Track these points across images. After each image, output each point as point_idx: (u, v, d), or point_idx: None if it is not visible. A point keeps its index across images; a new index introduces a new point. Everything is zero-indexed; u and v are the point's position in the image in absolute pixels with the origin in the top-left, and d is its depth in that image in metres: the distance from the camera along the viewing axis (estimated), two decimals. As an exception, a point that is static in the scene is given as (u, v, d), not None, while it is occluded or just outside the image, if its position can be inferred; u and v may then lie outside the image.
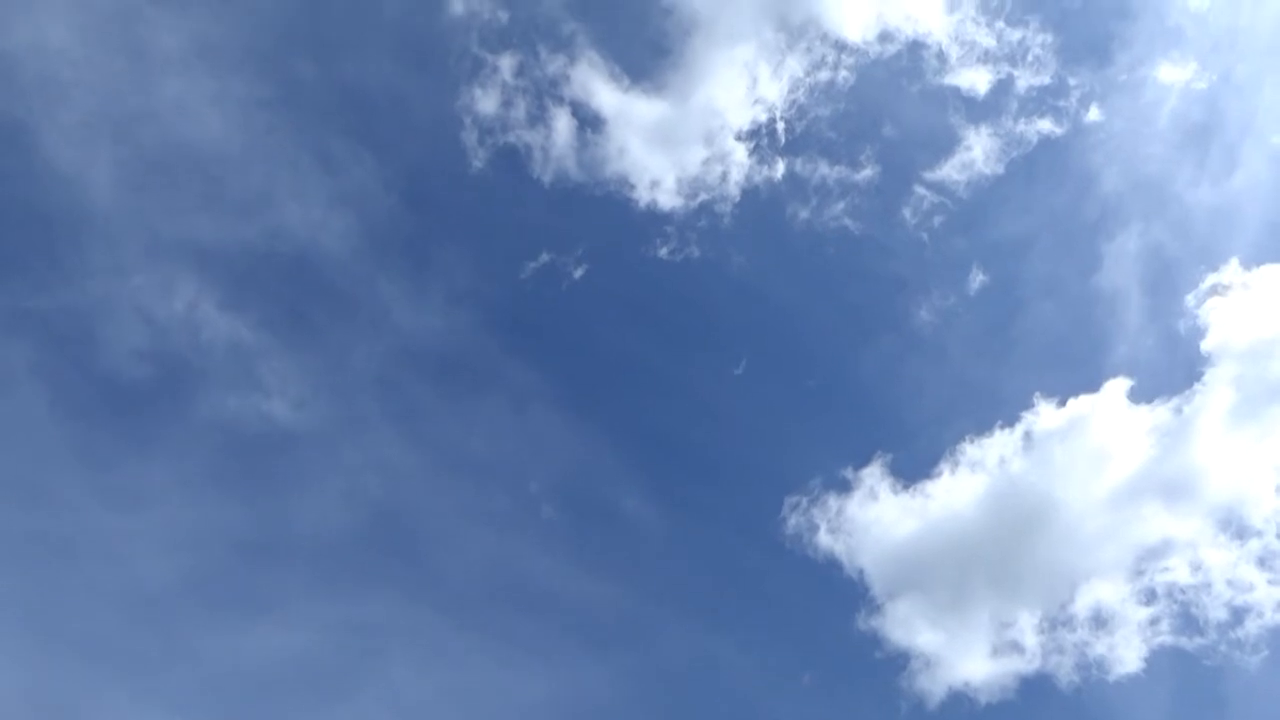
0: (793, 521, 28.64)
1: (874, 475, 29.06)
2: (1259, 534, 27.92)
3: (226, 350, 29.69)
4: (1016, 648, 27.46)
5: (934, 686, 26.98)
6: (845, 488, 29.10)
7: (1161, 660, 27.39)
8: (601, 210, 32.16)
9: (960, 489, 28.87)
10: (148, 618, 26.58)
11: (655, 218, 31.81)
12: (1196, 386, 29.56)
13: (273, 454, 29.56)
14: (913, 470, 29.60)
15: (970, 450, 29.39)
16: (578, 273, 31.30)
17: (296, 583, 28.69)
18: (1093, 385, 30.28)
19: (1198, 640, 27.44)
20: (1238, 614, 27.33)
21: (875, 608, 27.92)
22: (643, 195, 31.35)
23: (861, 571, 27.99)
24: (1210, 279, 30.81)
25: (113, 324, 29.00)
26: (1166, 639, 27.51)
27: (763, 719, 29.28)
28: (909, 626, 27.55)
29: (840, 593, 28.34)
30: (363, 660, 28.42)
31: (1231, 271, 30.72)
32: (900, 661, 27.51)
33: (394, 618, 29.05)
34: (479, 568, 30.26)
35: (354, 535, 29.79)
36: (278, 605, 28.27)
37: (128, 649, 25.85)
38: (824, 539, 28.26)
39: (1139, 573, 28.20)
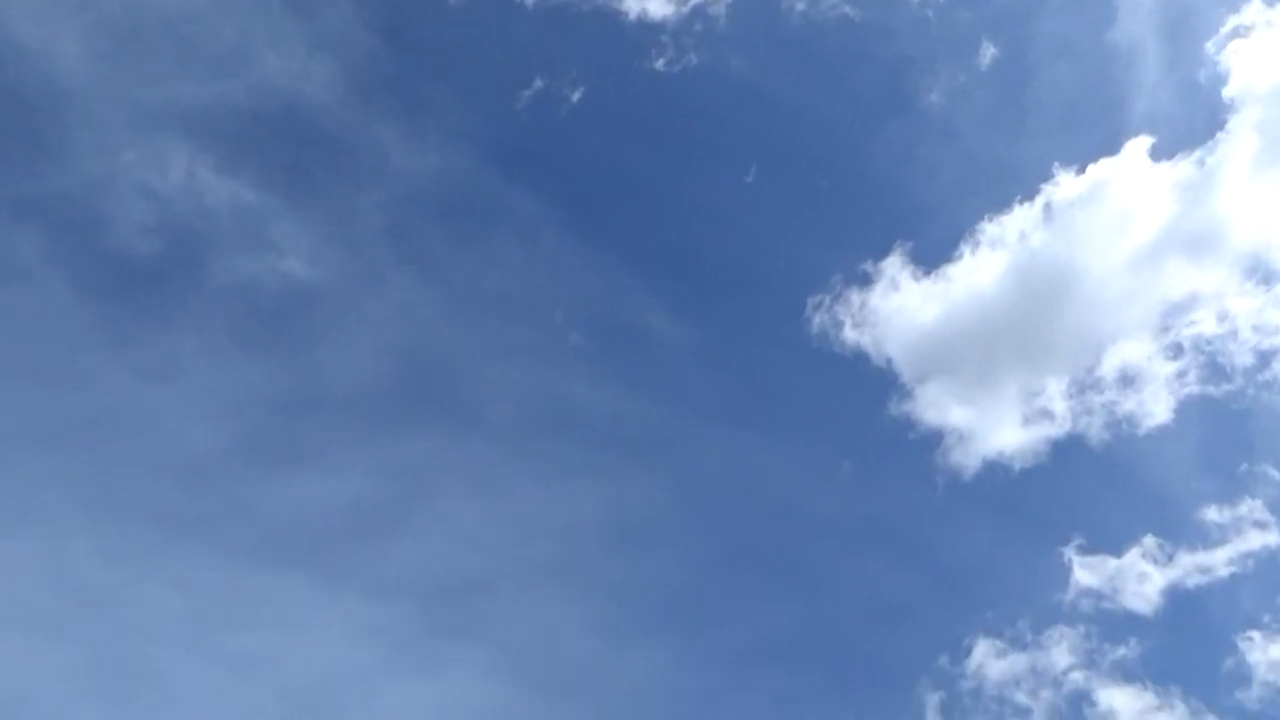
0: (817, 320, 28.77)
1: (894, 265, 28.98)
2: (1284, 278, 27.85)
3: (231, 214, 29.47)
4: (1046, 414, 27.94)
5: (968, 460, 27.64)
6: (866, 281, 29.07)
7: (1190, 410, 27.86)
8: (591, 28, 31.05)
9: (982, 269, 28.80)
10: (198, 480, 27.38)
11: (648, 29, 30.69)
12: (1219, 136, 28.88)
13: (294, 312, 29.75)
14: (933, 256, 29.47)
15: (990, 229, 29.14)
16: (574, 95, 30.49)
17: (337, 433, 29.36)
18: (1113, 148, 29.65)
19: (1225, 387, 27.81)
20: (1264, 358, 27.59)
21: (905, 393, 28.33)
22: (632, 7, 30.25)
23: (889, 360, 28.28)
24: (1231, 21, 29.63)
25: (114, 202, 28.74)
26: (1194, 389, 27.89)
27: (804, 512, 30.25)
28: (940, 407, 28.02)
29: (870, 383, 28.75)
30: (411, 497, 29.36)
31: (1254, 11, 29.51)
32: (934, 440, 28.11)
33: (436, 454, 29.84)
34: (513, 398, 30.80)
35: (386, 382, 30.25)
36: (322, 455, 29.05)
37: (183, 511, 26.76)
38: (849, 334, 28.43)
39: (1165, 329, 28.36)
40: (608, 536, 29.91)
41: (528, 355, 31.08)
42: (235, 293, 29.07)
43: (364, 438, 29.62)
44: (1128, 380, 27.94)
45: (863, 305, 28.59)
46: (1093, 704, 24.96)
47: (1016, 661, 25.81)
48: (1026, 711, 25.16)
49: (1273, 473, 26.83)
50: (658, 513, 30.42)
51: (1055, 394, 28.03)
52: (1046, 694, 25.28)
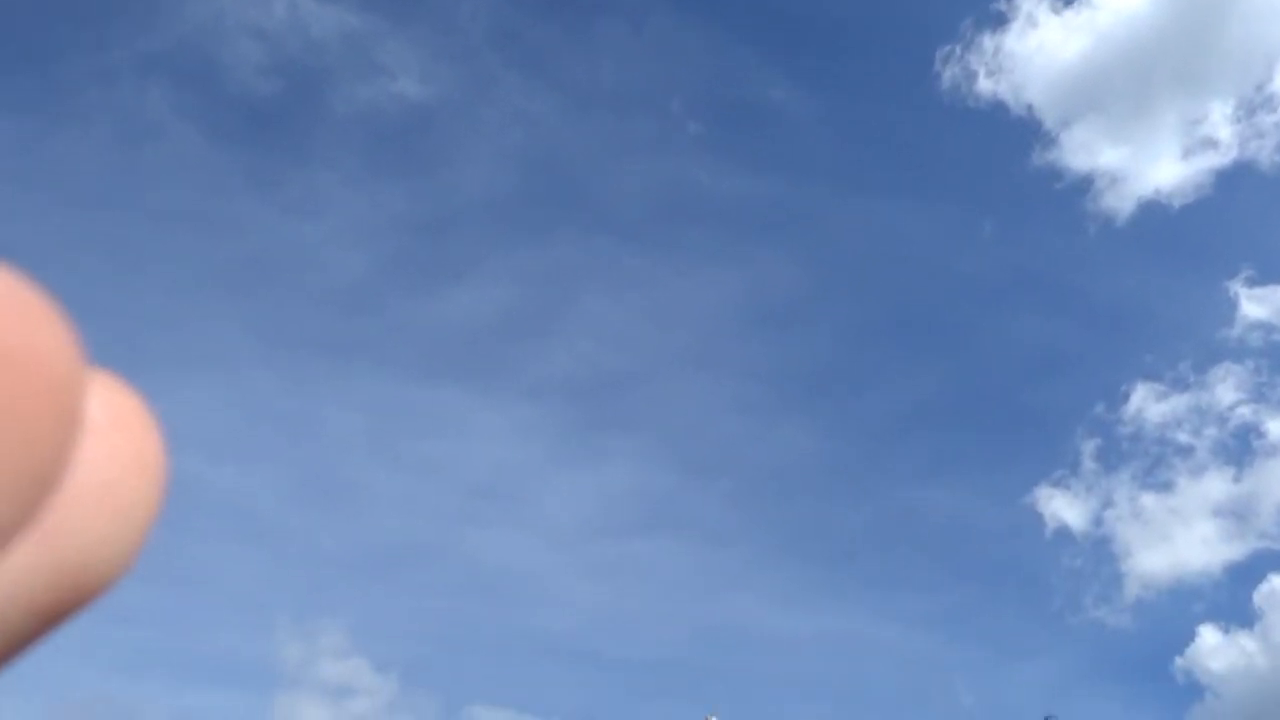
0: (948, 75, 26.83)
1: (1030, 0, 26.52)
2: None
3: (340, 42, 29.51)
4: (1210, 143, 25.70)
5: (1122, 203, 25.98)
6: (1000, 21, 26.68)
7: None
8: None
9: (1131, -13, 26.00)
10: (357, 306, 29.13)
11: None
12: None
13: (416, 133, 30.09)
14: (1075, -20, 26.74)
15: (1139, -61, 26.05)
16: None
17: (476, 245, 30.25)
18: None
19: None
20: None
21: (1050, 140, 26.50)
22: None
23: (1030, 107, 26.29)
24: None
25: (227, 48, 29.13)
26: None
27: (948, 274, 29.57)
28: (1089, 150, 26.14)
29: (1010, 134, 27.01)
30: (554, 300, 30.34)
31: None
32: (1083, 186, 26.47)
33: (574, 255, 30.48)
34: (640, 193, 30.73)
35: (513, 190, 30.64)
36: (466, 269, 30.18)
37: (348, 335, 28.64)
38: (984, 84, 26.42)
39: (1350, 29, 25.22)
40: (750, 320, 30.33)
41: (650, 148, 30.69)
42: (357, 122, 29.57)
43: (500, 247, 30.51)
44: (1304, 93, 25.30)
45: (997, 50, 26.47)
46: (1261, 435, 24.27)
47: (1178, 403, 25.15)
48: (1189, 450, 24.75)
49: None
50: (797, 291, 30.43)
51: (1219, 119, 25.65)
52: (1211, 431, 24.68)
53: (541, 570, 26.41)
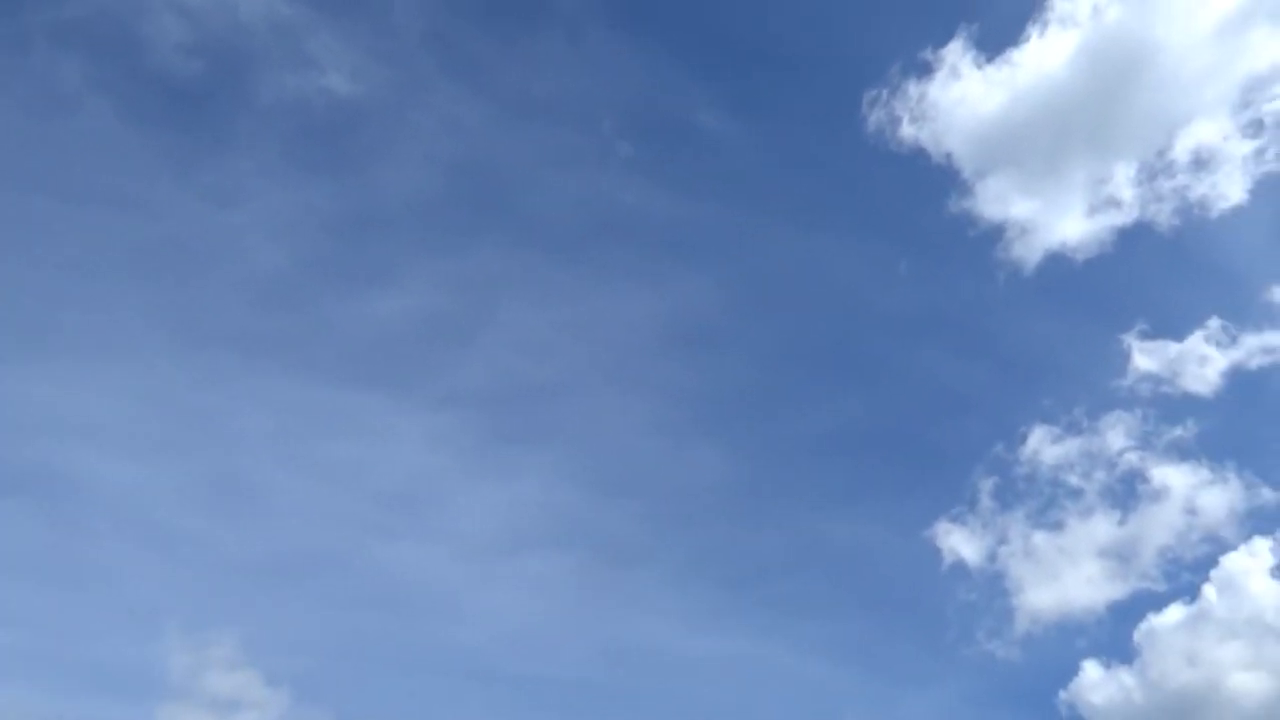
0: (873, 118, 27.75)
1: (956, 52, 27.53)
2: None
3: (269, 29, 28.88)
4: (1113, 202, 27.19)
5: (1029, 253, 27.26)
6: (926, 71, 27.74)
7: (1266, 189, 26.84)
8: None
9: (1050, 51, 27.24)
10: (272, 302, 28.45)
11: None
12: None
13: (343, 129, 29.66)
14: (998, 40, 27.90)
15: (1061, 6, 27.34)
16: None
17: (398, 249, 29.91)
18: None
19: (1306, 165, 26.60)
20: (1350, 133, 26.17)
21: (966, 189, 27.66)
22: None
23: (949, 155, 27.41)
24: None
25: (148, 21, 28.26)
26: (1272, 168, 26.75)
27: (862, 309, 30.49)
28: (1002, 200, 27.37)
29: (929, 180, 28.04)
30: (474, 309, 30.25)
31: None
32: (995, 235, 27.68)
33: (498, 265, 30.38)
34: (568, 207, 30.86)
35: (440, 195, 30.43)
36: (387, 271, 29.78)
37: (261, 332, 28.00)
38: (907, 130, 27.46)
39: (1245, 105, 26.91)
40: (669, 339, 30.67)
41: (580, 163, 30.87)
42: (282, 113, 29.00)
43: (424, 252, 30.22)
44: (1201, 162, 26.90)
45: (921, 98, 27.47)
46: (1146, 482, 25.72)
47: (1071, 447, 26.50)
48: (1079, 493, 26.05)
49: (1349, 250, 26.18)
50: (717, 314, 30.92)
51: (1123, 181, 27.17)
52: (1100, 475, 26.07)
53: (447, 584, 26.15)
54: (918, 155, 27.51)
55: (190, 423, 26.47)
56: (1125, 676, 23.56)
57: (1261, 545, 23.82)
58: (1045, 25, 27.15)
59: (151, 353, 27.26)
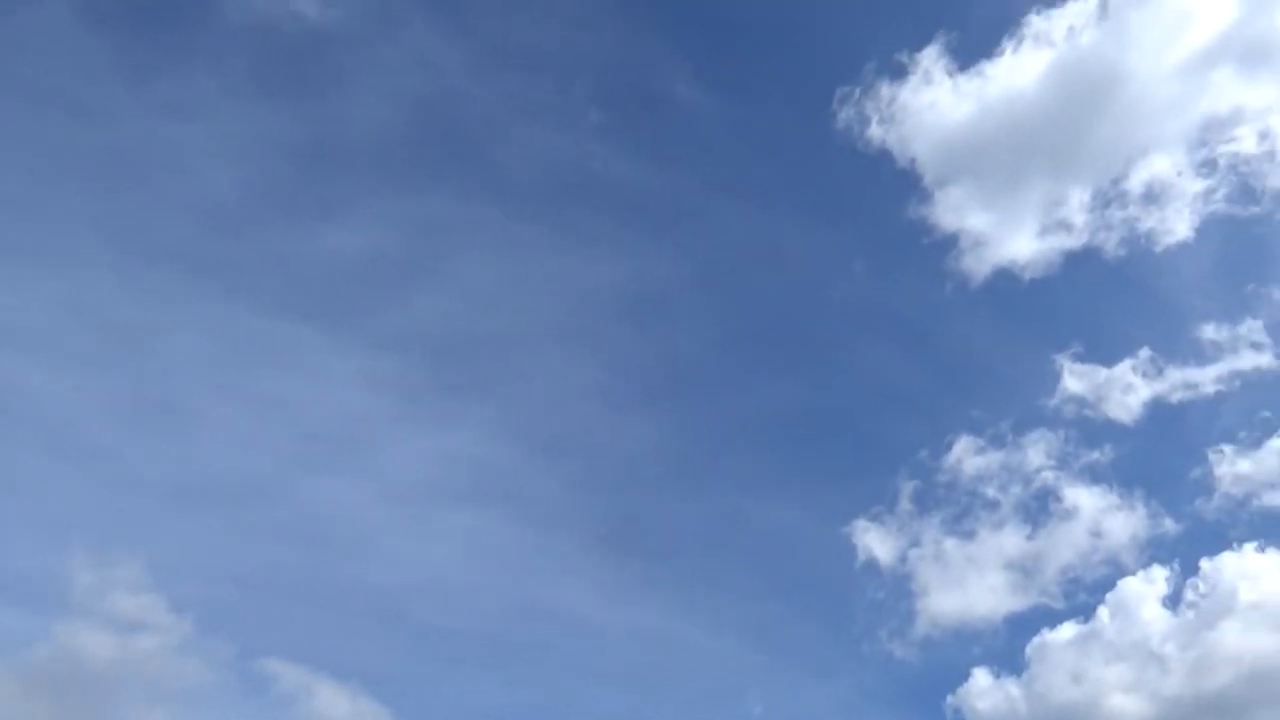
0: (844, 114, 27.84)
1: (931, 58, 27.68)
2: (1338, 98, 26.59)
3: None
4: (1065, 225, 27.68)
5: (979, 266, 27.71)
6: (900, 73, 27.87)
7: (1212, 229, 27.55)
8: None
9: (1022, 67, 27.50)
10: (220, 225, 27.97)
11: None
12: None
13: (310, 55, 29.02)
14: (973, 50, 28.10)
15: (1038, 23, 27.55)
16: None
17: (357, 183, 29.51)
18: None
19: (1252, 209, 27.31)
20: (1298, 185, 26.88)
21: (925, 195, 27.97)
22: None
23: (913, 160, 27.66)
24: None
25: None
26: (1219, 208, 27.44)
27: (814, 299, 30.77)
28: (959, 211, 27.74)
29: (891, 184, 28.31)
30: (428, 253, 29.97)
31: None
32: (948, 244, 28.08)
33: (456, 212, 30.13)
34: (535, 161, 30.64)
35: (405, 133, 30.02)
36: (343, 206, 29.39)
37: (206, 254, 27.55)
38: (875, 131, 27.62)
39: (1201, 144, 27.49)
40: (620, 306, 30.77)
41: (548, 119, 30.61)
42: (249, 32, 28.30)
43: (382, 190, 29.85)
44: (1153, 195, 27.47)
45: (892, 100, 27.63)
46: (1058, 500, 26.55)
47: (993, 459, 27.23)
48: (994, 505, 26.83)
49: (1278, 296, 26.98)
50: (670, 286, 31.06)
51: (1077, 205, 27.66)
52: (1016, 489, 26.86)
53: (367, 526, 26.26)
54: (882, 157, 27.76)
55: (122, 338, 26.12)
56: (1012, 687, 24.55)
57: (1159, 573, 24.94)
58: (1020, 41, 27.43)
59: (88, 263, 26.75)
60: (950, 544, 26.51)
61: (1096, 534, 25.88)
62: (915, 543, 26.56)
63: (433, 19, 30.28)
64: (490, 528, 27.38)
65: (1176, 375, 27.03)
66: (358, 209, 29.73)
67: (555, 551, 27.24)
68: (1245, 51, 27.04)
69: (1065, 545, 25.77)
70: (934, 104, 27.17)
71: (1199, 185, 27.51)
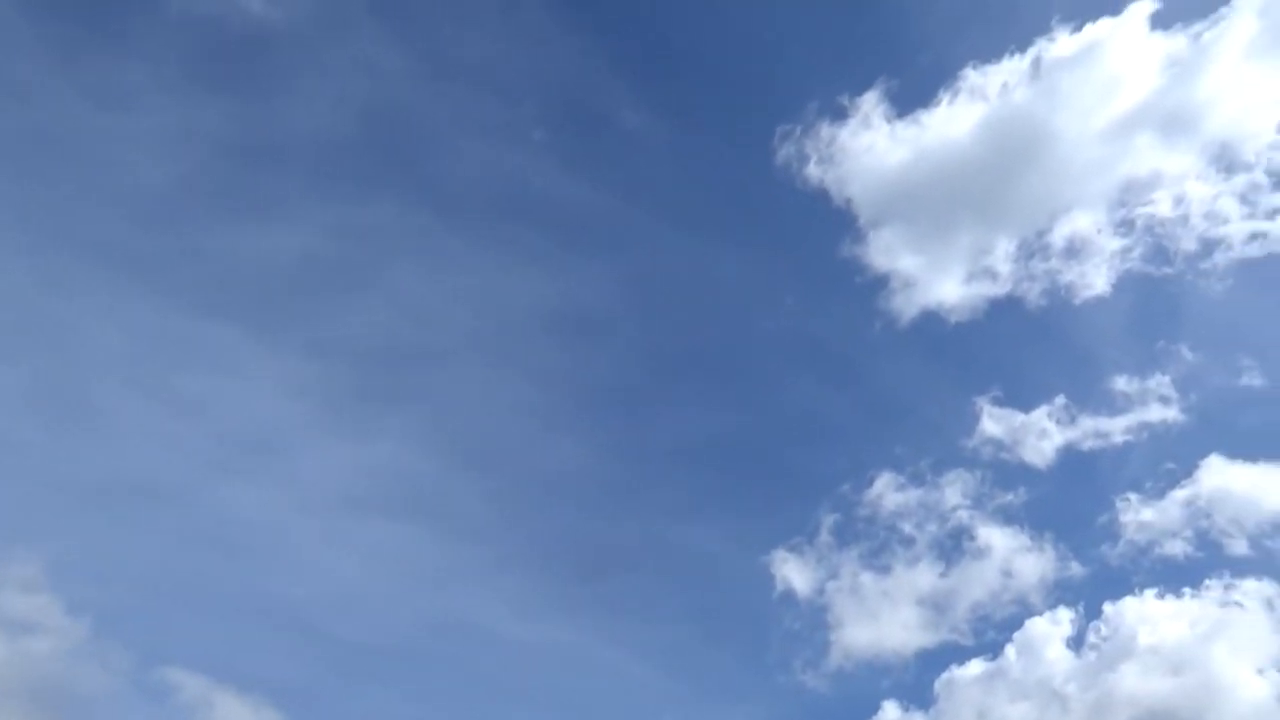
0: (783, 151, 28.44)
1: (871, 103, 28.45)
2: (1248, 168, 27.99)
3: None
4: (990, 273, 28.58)
5: (907, 307, 28.42)
6: (841, 115, 28.60)
7: (1126, 286, 28.71)
8: None
9: (957, 118, 28.45)
10: (146, 218, 27.22)
11: None
12: (1223, 11, 28.14)
13: (253, 53, 28.56)
14: (912, 98, 28.99)
15: (974, 78, 28.58)
16: None
17: (292, 185, 29.05)
18: (1115, 8, 28.82)
19: (1165, 270, 28.54)
20: (1208, 246, 28.18)
21: (859, 235, 28.66)
22: None
23: (849, 200, 28.34)
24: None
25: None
26: (1135, 266, 28.60)
27: (745, 330, 31.18)
28: (890, 253, 28.45)
29: (826, 221, 28.92)
30: (360, 260, 29.60)
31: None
32: (878, 284, 28.76)
33: (392, 221, 29.83)
34: (475, 175, 30.55)
35: (345, 138, 29.68)
36: (275, 207, 28.89)
37: (129, 247, 26.77)
38: (813, 170, 28.27)
39: (1121, 204, 28.69)
40: (551, 325, 30.73)
41: (493, 134, 30.59)
42: (190, 25, 27.78)
43: (318, 194, 29.42)
44: (1074, 250, 28.55)
45: (832, 141, 28.30)
46: (972, 539, 27.21)
47: (912, 496, 27.81)
48: (911, 541, 27.35)
49: (1186, 353, 28.18)
50: (603, 308, 31.15)
51: (1002, 254, 28.59)
52: (932, 527, 27.45)
53: (281, 535, 25.59)
54: (819, 196, 28.37)
55: (35, 328, 25.14)
56: (920, 720, 24.93)
57: (1064, 615, 25.66)
58: (956, 94, 28.40)
59: (3, 249, 25.78)
60: (867, 578, 26.96)
61: (1007, 574, 26.58)
62: (833, 575, 26.96)
63: (382, 25, 30.10)
64: (407, 541, 26.96)
65: (1089, 424, 28.04)
66: (291, 211, 29.26)
67: (472, 567, 26.95)
68: (1166, 120, 28.42)
69: (977, 583, 26.40)
70: (871, 147, 27.95)
71: (1116, 243, 28.76)
